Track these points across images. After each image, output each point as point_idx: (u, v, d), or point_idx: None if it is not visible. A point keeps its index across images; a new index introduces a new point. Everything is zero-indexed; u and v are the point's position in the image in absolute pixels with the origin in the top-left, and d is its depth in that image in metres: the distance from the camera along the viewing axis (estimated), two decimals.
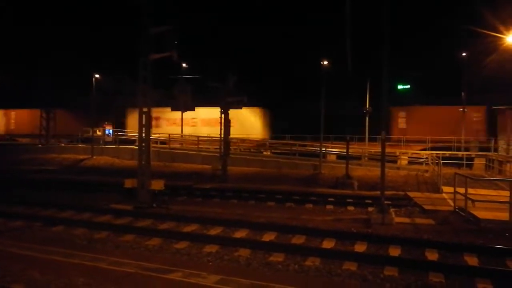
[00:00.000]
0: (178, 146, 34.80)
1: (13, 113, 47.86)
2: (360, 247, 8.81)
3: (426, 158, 28.36)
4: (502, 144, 30.53)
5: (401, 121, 38.40)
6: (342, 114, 34.98)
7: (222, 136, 22.63)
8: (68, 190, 17.47)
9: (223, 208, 13.39)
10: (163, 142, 35.82)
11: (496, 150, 31.10)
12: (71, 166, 28.10)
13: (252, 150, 34.39)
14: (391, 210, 11.58)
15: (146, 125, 14.30)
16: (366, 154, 31.17)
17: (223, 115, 22.24)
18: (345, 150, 22.01)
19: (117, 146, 32.67)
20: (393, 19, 11.91)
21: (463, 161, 28.22)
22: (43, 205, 13.52)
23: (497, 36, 22.07)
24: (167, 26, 13.84)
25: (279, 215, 12.20)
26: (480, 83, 34.53)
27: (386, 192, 12.97)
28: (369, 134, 34.64)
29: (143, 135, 14.32)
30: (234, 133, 37.93)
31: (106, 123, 36.90)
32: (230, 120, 22.56)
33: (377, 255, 8.32)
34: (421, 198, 14.72)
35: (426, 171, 24.91)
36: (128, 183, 14.47)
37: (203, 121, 40.84)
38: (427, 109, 37.56)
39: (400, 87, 40.27)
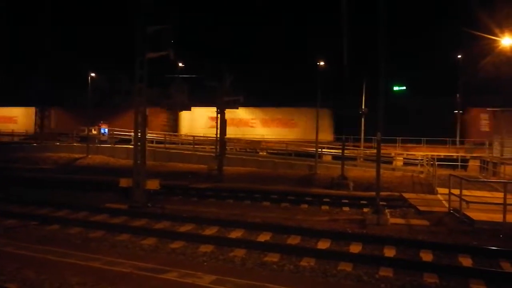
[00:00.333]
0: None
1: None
2: (355, 248, 8.84)
3: (421, 160, 28.50)
4: (496, 146, 30.71)
5: (484, 123, 36.53)
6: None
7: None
8: (63, 189, 17.38)
9: (219, 208, 13.38)
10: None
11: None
12: (66, 165, 27.98)
13: (248, 150, 34.40)
14: (386, 211, 11.62)
15: (142, 124, 14.27)
16: (362, 155, 31.28)
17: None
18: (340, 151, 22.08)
19: (112, 145, 32.57)
20: (389, 21, 11.98)
21: (458, 162, 28.37)
22: (38, 204, 13.45)
23: (493, 39, 22.21)
24: (163, 25, 13.81)
25: (275, 215, 12.21)
26: (475, 85, 34.73)
27: (382, 193, 13.01)
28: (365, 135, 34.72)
29: (139, 134, 14.29)
30: (296, 136, 37.21)
31: (102, 122, 36.74)
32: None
33: (372, 255, 8.35)
34: (416, 199, 14.78)
35: (421, 172, 25.04)
36: (124, 182, 14.41)
37: (264, 121, 40.21)
38: None
39: (396, 88, 40.44)
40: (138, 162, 14.15)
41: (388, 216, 11.35)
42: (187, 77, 35.35)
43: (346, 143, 31.42)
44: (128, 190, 14.17)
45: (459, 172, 24.84)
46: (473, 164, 29.28)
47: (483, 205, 12.06)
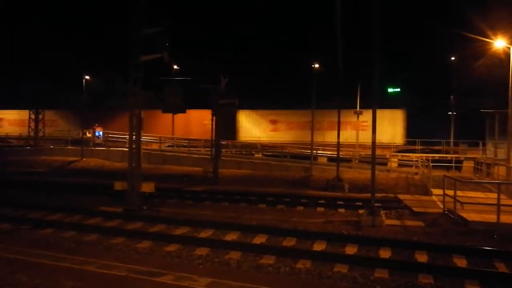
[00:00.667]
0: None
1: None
2: (350, 249, 8.85)
3: (416, 161, 28.61)
4: (490, 147, 30.92)
5: None
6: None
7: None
8: (57, 193, 17.27)
9: (214, 211, 13.36)
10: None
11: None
12: (60, 168, 27.80)
13: (243, 153, 34.36)
14: (381, 212, 11.65)
15: (137, 126, 14.21)
16: (357, 157, 31.34)
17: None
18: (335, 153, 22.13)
19: (107, 148, 32.41)
20: (383, 23, 12.04)
21: (452, 163, 28.52)
22: (31, 207, 13.36)
23: (486, 41, 22.38)
24: (158, 28, 13.78)
25: (270, 218, 12.21)
26: (469, 87, 34.99)
27: (377, 195, 13.04)
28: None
29: (134, 137, 14.23)
30: (367, 138, 36.25)
31: (96, 124, 36.56)
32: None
33: (368, 257, 8.37)
34: (411, 200, 14.83)
35: (416, 173, 25.12)
36: (118, 185, 14.34)
37: (330, 123, 37.17)
38: None
39: (390, 90, 40.60)
40: (133, 165, 14.09)
41: (383, 218, 11.38)
42: (182, 79, 35.36)
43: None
44: (123, 193, 14.10)
45: (453, 173, 24.97)
46: (467, 165, 29.43)
47: (477, 206, 12.13)
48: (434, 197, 15.51)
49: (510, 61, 21.30)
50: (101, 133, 36.43)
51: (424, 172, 21.07)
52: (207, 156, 25.76)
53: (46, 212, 12.89)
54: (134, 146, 14.22)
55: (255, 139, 37.53)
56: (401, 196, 15.93)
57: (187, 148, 32.09)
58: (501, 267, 7.82)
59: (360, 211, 12.94)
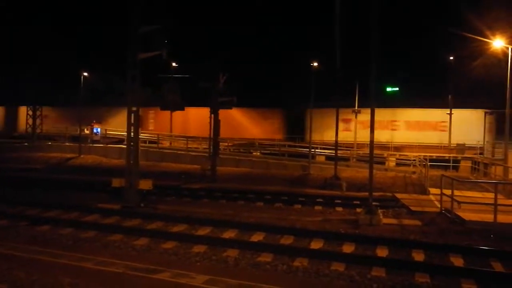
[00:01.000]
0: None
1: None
2: (348, 248, 8.87)
3: (414, 160, 28.68)
4: (487, 147, 31.02)
5: None
6: None
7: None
8: (54, 189, 17.22)
9: (212, 208, 13.35)
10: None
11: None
12: (58, 165, 27.74)
13: (241, 150, 34.37)
14: (379, 211, 11.68)
15: (135, 124, 14.20)
16: (355, 156, 31.41)
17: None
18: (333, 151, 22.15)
19: (105, 145, 32.37)
20: (382, 22, 12.04)
21: (450, 163, 28.60)
22: (28, 204, 13.32)
23: (484, 41, 22.42)
24: (156, 25, 13.76)
25: (268, 216, 12.21)
26: (467, 86, 35.03)
27: (374, 193, 13.08)
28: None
29: (132, 134, 14.22)
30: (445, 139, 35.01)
31: (94, 121, 36.48)
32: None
33: (365, 255, 8.39)
34: (409, 200, 14.87)
35: (414, 172, 25.19)
36: (116, 182, 14.32)
37: (408, 123, 36.97)
38: None
39: (388, 89, 40.60)
40: (131, 162, 14.09)
41: (381, 216, 11.41)
42: (180, 77, 35.26)
43: None
44: (121, 190, 14.10)
45: (450, 173, 25.04)
46: (465, 165, 29.53)
47: (474, 205, 12.17)
48: (431, 196, 15.55)
49: (508, 61, 21.37)
50: (99, 130, 36.36)
51: (422, 171, 21.13)
52: (205, 154, 25.74)
53: (43, 209, 12.87)
54: (132, 143, 14.22)
55: (327, 140, 34.90)
56: (398, 195, 15.97)
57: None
58: (498, 267, 7.86)
59: (358, 210, 12.95)
